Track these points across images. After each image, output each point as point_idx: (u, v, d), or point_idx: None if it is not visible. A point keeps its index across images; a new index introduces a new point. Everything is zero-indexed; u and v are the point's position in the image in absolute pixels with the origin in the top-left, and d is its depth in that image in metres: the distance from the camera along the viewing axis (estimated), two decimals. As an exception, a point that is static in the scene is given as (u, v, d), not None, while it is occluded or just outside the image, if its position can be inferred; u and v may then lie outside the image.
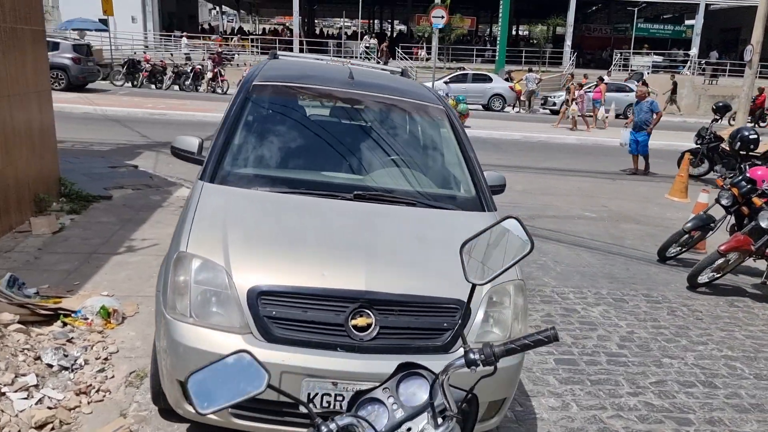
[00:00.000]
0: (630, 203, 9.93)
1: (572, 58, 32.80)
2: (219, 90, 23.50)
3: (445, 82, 23.91)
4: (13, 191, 5.90)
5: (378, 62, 32.84)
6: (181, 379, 2.60)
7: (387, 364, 2.57)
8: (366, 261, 2.80)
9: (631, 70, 31.01)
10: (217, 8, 54.86)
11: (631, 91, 22.96)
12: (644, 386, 4.09)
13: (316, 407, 2.55)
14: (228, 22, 58.70)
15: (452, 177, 3.75)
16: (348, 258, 2.83)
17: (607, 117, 20.60)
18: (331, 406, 2.55)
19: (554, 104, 23.76)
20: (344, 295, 2.64)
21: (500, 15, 31.01)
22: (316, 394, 2.55)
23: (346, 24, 45.16)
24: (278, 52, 5.12)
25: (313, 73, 4.31)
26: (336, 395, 2.56)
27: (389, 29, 54.00)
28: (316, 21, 61.59)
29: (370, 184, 3.42)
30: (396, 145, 3.82)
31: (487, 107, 24.54)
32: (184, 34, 32.47)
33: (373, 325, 2.63)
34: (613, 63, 32.38)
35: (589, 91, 20.76)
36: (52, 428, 3.05)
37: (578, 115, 18.91)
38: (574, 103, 18.96)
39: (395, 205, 3.29)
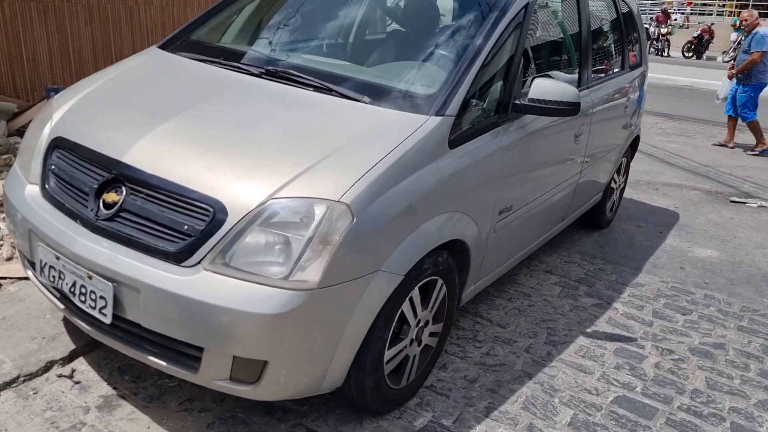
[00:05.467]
0: None
1: None
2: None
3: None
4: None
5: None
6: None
7: (107, 255, 2.12)
8: (157, 132, 2.30)
9: None
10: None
11: None
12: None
13: (46, 279, 2.28)
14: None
15: (439, 68, 2.70)
16: (139, 125, 2.37)
17: None
18: (56, 283, 2.24)
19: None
20: (100, 160, 2.26)
21: None
22: (45, 264, 2.26)
23: None
24: None
25: None
26: (60, 272, 2.20)
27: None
28: None
29: (300, 63, 2.84)
30: (408, 23, 3.31)
31: None
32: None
33: (117, 205, 2.15)
34: None
35: None
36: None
37: None
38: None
39: (299, 88, 2.57)
